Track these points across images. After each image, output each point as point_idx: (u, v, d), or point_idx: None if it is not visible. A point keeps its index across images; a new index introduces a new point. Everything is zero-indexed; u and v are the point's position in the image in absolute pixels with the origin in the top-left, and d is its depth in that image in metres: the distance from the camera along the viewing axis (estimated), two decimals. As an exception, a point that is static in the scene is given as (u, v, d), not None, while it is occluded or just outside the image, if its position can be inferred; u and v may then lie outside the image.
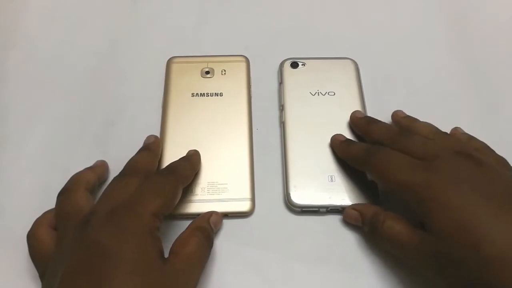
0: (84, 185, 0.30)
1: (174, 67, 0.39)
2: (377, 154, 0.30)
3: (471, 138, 0.33)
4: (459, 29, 0.43)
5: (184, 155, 0.34)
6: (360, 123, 0.35)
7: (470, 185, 0.26)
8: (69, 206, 0.29)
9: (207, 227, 0.30)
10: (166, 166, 0.31)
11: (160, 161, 0.34)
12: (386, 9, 0.45)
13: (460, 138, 0.33)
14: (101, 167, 0.34)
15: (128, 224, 0.25)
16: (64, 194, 0.30)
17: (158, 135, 0.35)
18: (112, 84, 0.40)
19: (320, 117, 0.36)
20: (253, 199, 0.33)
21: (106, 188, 0.29)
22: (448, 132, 0.33)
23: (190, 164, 0.33)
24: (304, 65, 0.39)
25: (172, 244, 0.28)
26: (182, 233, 0.29)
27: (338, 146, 0.34)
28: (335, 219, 0.33)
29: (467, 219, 0.25)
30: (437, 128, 0.33)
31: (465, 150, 0.29)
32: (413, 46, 0.42)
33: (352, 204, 0.32)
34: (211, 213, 0.31)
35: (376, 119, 0.35)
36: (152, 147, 0.33)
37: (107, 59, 0.41)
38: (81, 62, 0.41)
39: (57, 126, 0.37)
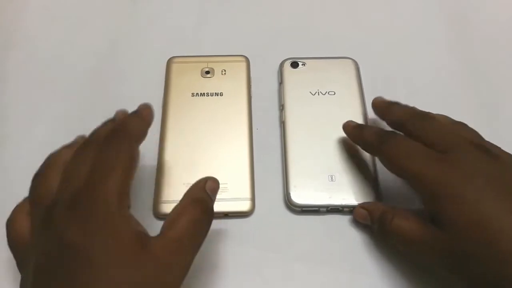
0: (59, 168, 0.26)
1: (174, 67, 0.39)
2: (389, 140, 0.29)
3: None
4: (459, 29, 0.43)
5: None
6: (382, 105, 0.34)
7: (486, 179, 0.26)
8: (38, 190, 0.26)
9: (205, 197, 0.26)
10: (113, 127, 0.27)
11: (160, 163, 0.34)
12: (386, 9, 0.45)
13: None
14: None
15: (92, 212, 0.23)
16: (36, 177, 0.27)
17: (158, 135, 0.35)
18: (112, 84, 0.40)
19: (320, 117, 0.36)
20: (253, 199, 0.33)
21: (68, 163, 0.26)
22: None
23: (140, 118, 0.28)
24: (304, 65, 0.39)
25: (164, 222, 0.25)
26: (175, 207, 0.25)
27: (350, 132, 0.34)
28: (336, 218, 0.33)
29: (483, 214, 0.24)
30: (452, 119, 0.32)
31: (481, 142, 0.29)
32: (413, 46, 0.42)
33: (361, 203, 0.32)
34: (206, 179, 0.27)
35: (399, 102, 0.34)
36: (119, 117, 0.29)
37: (107, 59, 0.41)
38: (81, 62, 0.41)
39: (57, 126, 0.37)
